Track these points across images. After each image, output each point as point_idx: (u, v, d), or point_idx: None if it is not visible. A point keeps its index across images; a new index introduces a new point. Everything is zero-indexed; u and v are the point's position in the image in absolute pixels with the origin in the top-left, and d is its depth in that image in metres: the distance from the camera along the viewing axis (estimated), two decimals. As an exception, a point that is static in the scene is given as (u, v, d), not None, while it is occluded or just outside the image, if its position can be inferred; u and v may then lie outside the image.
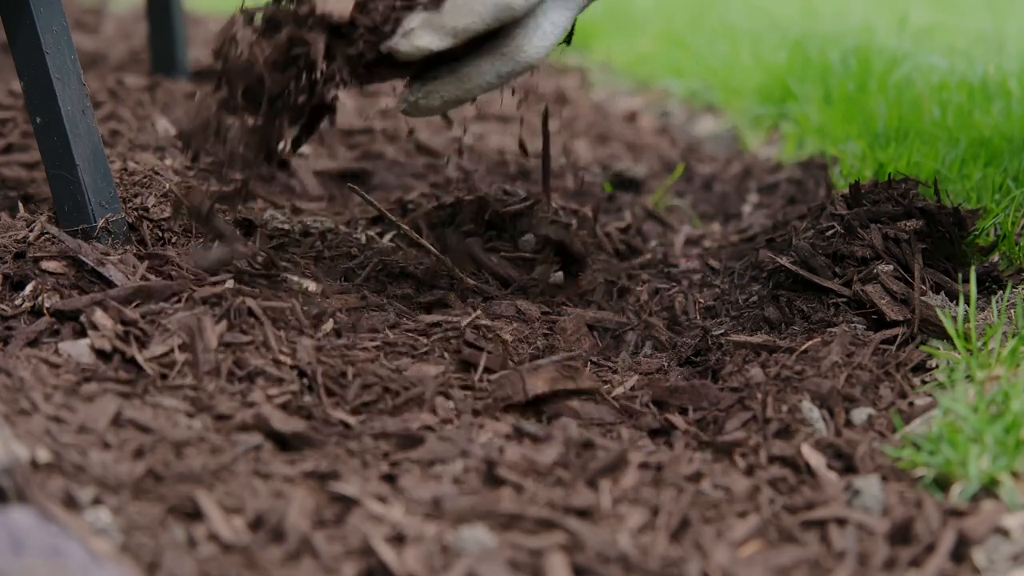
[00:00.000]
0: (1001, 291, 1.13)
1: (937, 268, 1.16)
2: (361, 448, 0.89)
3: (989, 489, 0.82)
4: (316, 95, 1.02)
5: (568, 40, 1.16)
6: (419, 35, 1.03)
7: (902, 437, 0.92)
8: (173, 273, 1.05)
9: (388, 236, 1.30)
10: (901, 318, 1.08)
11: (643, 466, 0.87)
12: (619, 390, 1.06)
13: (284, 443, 0.88)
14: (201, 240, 1.11)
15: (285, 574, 0.72)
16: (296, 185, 1.54)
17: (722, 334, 1.14)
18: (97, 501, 0.75)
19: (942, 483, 0.84)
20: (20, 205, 1.23)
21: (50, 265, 1.04)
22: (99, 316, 0.96)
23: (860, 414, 0.96)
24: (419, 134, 1.84)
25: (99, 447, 0.81)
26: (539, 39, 1.10)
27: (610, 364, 1.12)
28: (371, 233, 1.28)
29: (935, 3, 3.62)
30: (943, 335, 1.05)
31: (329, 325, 1.02)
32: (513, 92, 1.22)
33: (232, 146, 1.03)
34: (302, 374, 0.96)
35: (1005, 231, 1.24)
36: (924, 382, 1.02)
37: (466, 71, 1.08)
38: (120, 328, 0.95)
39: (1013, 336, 1.00)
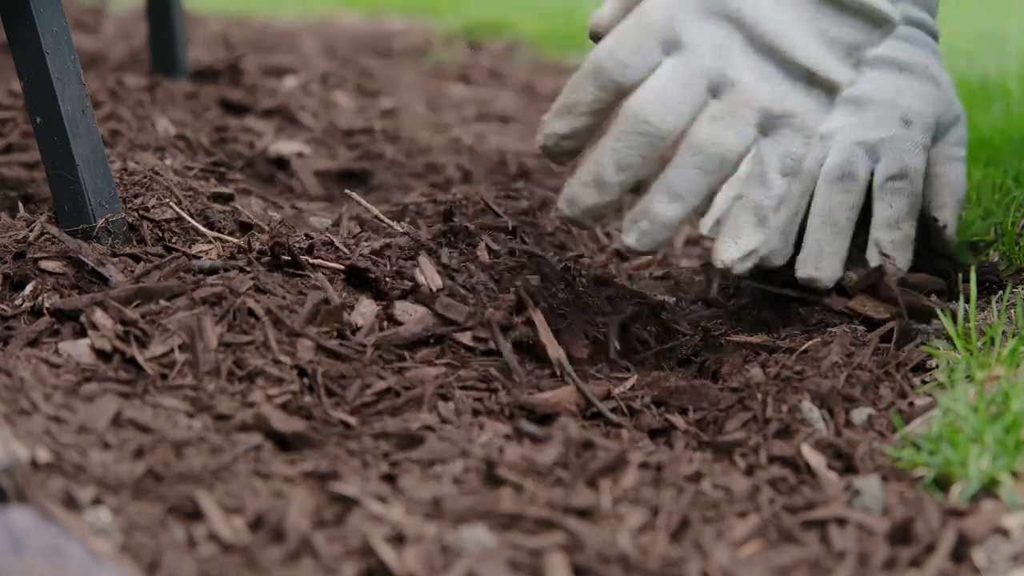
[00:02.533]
0: (1001, 291, 1.13)
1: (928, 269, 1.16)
2: (361, 448, 0.89)
3: (989, 489, 0.82)
4: None
5: None
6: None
7: (902, 437, 0.92)
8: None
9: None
10: (888, 316, 1.09)
11: (643, 466, 0.87)
12: (619, 390, 1.06)
13: (284, 443, 0.88)
14: None
15: (285, 574, 0.72)
16: (296, 185, 1.54)
17: (722, 334, 1.14)
18: (97, 501, 0.75)
19: (942, 483, 0.84)
20: (20, 205, 1.23)
21: (50, 265, 1.04)
22: (99, 316, 0.96)
23: (860, 414, 0.96)
24: (419, 134, 1.84)
25: (99, 447, 0.81)
26: None
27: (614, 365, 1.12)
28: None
29: (935, 3, 3.61)
30: (931, 316, 1.06)
31: None
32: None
33: None
34: (302, 374, 0.96)
35: (1005, 231, 1.24)
36: (924, 382, 1.02)
37: None
38: (120, 328, 0.95)
39: (1013, 336, 1.00)
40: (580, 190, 1.02)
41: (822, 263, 1.08)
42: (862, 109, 1.06)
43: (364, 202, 1.21)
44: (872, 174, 1.09)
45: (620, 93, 1.00)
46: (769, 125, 0.99)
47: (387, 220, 1.18)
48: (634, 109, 0.97)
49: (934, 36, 1.18)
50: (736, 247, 1.03)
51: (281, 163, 1.59)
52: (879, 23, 1.04)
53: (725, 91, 0.97)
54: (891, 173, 1.09)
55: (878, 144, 1.08)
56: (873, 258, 1.10)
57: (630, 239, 1.03)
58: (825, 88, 1.01)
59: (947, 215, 1.16)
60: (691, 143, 0.98)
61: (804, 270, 1.09)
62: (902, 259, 1.11)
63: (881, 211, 1.10)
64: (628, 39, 0.98)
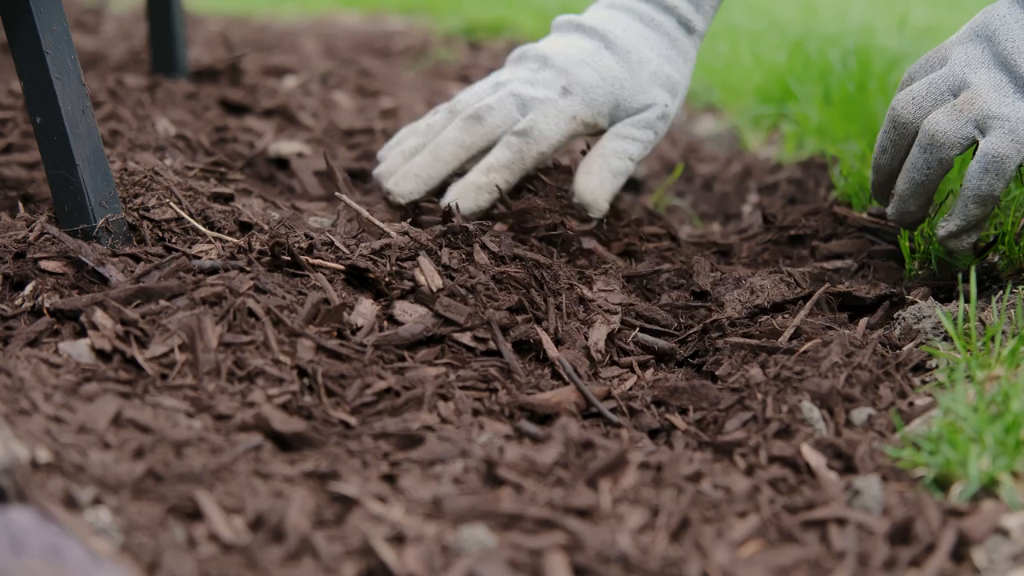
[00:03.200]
0: (1001, 291, 1.13)
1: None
2: (361, 448, 0.89)
3: (989, 489, 0.82)
4: None
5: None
6: None
7: (902, 437, 0.92)
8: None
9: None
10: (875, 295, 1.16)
11: (643, 466, 0.87)
12: (619, 390, 1.06)
13: (284, 443, 0.88)
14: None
15: (285, 574, 0.72)
16: (296, 185, 1.54)
17: (720, 336, 1.14)
18: (97, 501, 0.75)
19: (942, 483, 0.84)
20: (20, 205, 1.23)
21: (50, 265, 1.04)
22: (99, 316, 0.96)
23: (860, 414, 0.97)
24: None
25: (99, 447, 0.81)
26: None
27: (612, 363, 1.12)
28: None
29: (935, 3, 3.62)
30: (897, 256, 1.16)
31: None
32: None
33: None
34: (302, 374, 0.96)
35: (1005, 230, 1.24)
36: (924, 382, 1.02)
37: None
38: (120, 328, 0.95)
39: (1013, 336, 1.00)
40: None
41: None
42: None
43: (355, 205, 1.20)
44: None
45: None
46: (986, 126, 1.11)
47: (377, 222, 1.18)
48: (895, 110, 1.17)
49: (685, 26, 1.35)
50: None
51: (281, 163, 1.59)
52: None
53: (962, 92, 1.13)
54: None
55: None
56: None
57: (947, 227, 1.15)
58: None
59: (587, 179, 1.30)
60: (922, 129, 1.14)
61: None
62: None
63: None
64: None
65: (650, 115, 1.33)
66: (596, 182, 1.30)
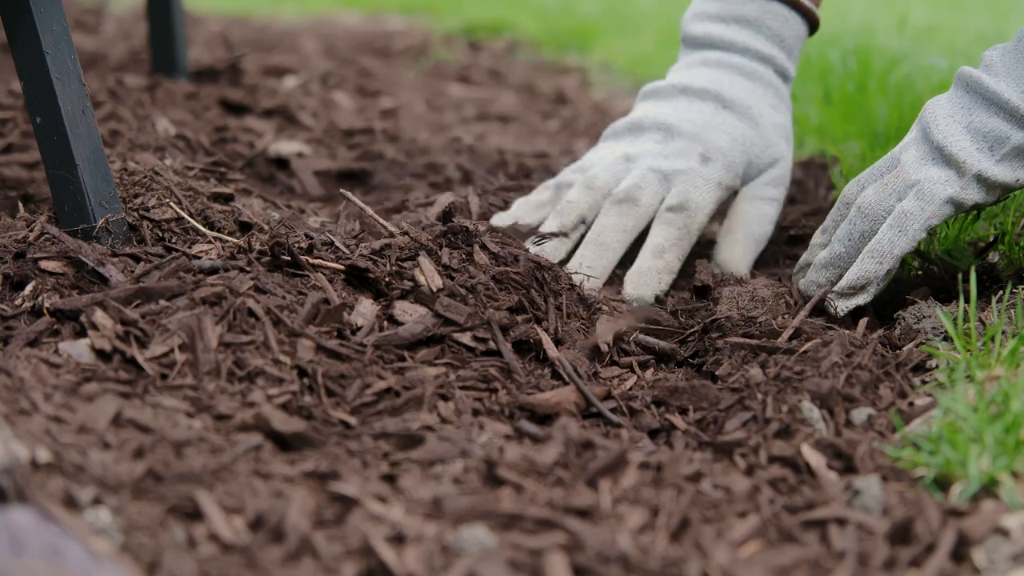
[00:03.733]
0: (1001, 291, 1.13)
1: None
2: (361, 448, 0.89)
3: (989, 489, 0.82)
4: None
5: None
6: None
7: (902, 437, 0.92)
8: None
9: None
10: None
11: (643, 466, 0.87)
12: (619, 390, 1.06)
13: (284, 443, 0.88)
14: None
15: (285, 574, 0.72)
16: (296, 185, 1.54)
17: (720, 336, 1.14)
18: (97, 501, 0.75)
19: (942, 483, 0.84)
20: (20, 205, 1.23)
21: (50, 265, 1.04)
22: (99, 316, 0.96)
23: (860, 414, 0.97)
24: (419, 134, 1.84)
25: (99, 447, 0.81)
26: None
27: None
28: None
29: (935, 3, 3.62)
30: None
31: None
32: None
33: None
34: (302, 374, 0.96)
35: (1005, 230, 1.24)
36: (924, 382, 1.02)
37: None
38: (120, 328, 0.95)
39: (1013, 336, 1.00)
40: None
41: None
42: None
43: (359, 202, 1.20)
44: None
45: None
46: (905, 195, 1.15)
47: (381, 220, 1.18)
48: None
49: (782, 75, 1.37)
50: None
51: (281, 163, 1.59)
52: None
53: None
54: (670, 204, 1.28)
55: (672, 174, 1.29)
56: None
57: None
58: None
59: (732, 250, 1.31)
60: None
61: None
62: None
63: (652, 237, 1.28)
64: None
65: (779, 171, 1.34)
66: (740, 253, 1.31)
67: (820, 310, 1.18)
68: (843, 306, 1.15)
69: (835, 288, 1.15)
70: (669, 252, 1.26)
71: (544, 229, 1.29)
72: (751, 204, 1.32)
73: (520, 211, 1.32)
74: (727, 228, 1.33)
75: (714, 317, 1.16)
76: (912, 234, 1.11)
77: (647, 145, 1.30)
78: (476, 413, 0.98)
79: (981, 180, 1.10)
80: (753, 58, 1.33)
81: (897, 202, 1.14)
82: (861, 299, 1.14)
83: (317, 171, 1.57)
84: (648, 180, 1.27)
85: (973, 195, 1.11)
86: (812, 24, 1.36)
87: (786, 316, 1.16)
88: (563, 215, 1.28)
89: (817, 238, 1.21)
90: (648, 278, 1.25)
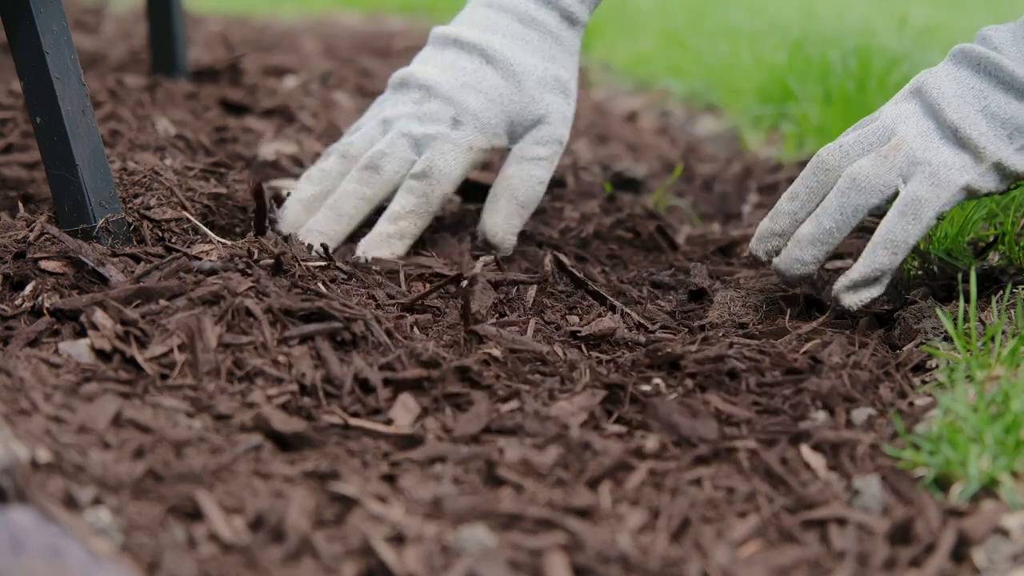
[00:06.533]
0: (1001, 291, 1.13)
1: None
2: (361, 448, 0.89)
3: (989, 489, 0.82)
4: None
5: None
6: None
7: (902, 437, 0.92)
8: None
9: None
10: None
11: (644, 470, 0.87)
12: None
13: (284, 443, 0.88)
14: None
15: (285, 574, 0.72)
16: (296, 185, 1.54)
17: (722, 335, 1.14)
18: (97, 501, 0.75)
19: (942, 483, 0.84)
20: (20, 205, 1.23)
21: (50, 265, 1.04)
22: (99, 316, 0.96)
23: (860, 414, 0.96)
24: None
25: (99, 447, 0.81)
26: None
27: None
28: None
29: (935, 3, 3.62)
30: None
31: None
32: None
33: None
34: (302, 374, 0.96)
35: (1005, 230, 1.24)
36: (924, 382, 1.02)
37: None
38: (120, 328, 0.95)
39: (1013, 336, 1.00)
40: None
41: None
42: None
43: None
44: None
45: None
46: (909, 173, 1.10)
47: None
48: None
49: (568, 19, 1.31)
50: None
51: (281, 163, 1.58)
52: None
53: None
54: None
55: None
56: None
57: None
58: None
59: (494, 216, 1.28)
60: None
61: None
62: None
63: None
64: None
65: (549, 128, 1.29)
66: (502, 219, 1.28)
67: (817, 305, 1.18)
68: (856, 300, 1.10)
69: (844, 283, 1.10)
70: (404, 219, 1.25)
71: (295, 196, 1.28)
72: (517, 166, 1.29)
73: (304, 183, 1.29)
74: (492, 193, 1.29)
75: (701, 323, 1.16)
76: (926, 222, 1.08)
77: (406, 107, 1.27)
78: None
79: (999, 169, 1.07)
80: (537, 1, 1.28)
81: (898, 179, 1.09)
82: (875, 291, 1.10)
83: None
84: (396, 147, 1.25)
85: (989, 183, 1.08)
86: None
87: (782, 319, 1.16)
88: (313, 182, 1.28)
89: (785, 204, 1.14)
90: (378, 242, 1.25)
